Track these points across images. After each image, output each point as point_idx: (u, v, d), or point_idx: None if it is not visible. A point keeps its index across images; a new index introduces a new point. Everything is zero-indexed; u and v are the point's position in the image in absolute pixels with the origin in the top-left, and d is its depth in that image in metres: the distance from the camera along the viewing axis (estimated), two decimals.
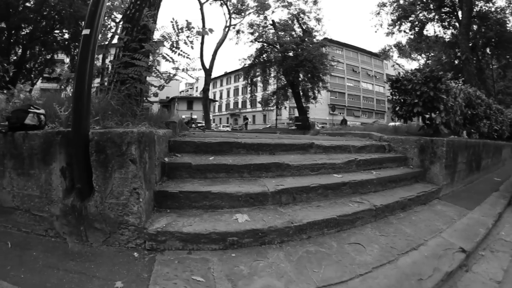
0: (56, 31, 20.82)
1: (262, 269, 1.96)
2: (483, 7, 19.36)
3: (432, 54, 24.67)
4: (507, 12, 18.93)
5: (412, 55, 25.57)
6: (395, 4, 21.76)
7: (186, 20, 3.77)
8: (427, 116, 5.50)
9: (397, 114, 5.77)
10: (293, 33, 26.44)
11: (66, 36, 21.00)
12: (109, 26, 20.34)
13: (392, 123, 11.61)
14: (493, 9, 19.25)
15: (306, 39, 25.34)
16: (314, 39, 26.36)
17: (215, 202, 2.54)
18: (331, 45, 34.05)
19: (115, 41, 16.81)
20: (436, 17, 21.43)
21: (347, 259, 2.24)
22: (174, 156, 3.14)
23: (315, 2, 26.35)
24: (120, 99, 3.27)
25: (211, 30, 4.15)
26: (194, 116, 22.90)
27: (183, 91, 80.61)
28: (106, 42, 18.89)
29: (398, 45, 24.40)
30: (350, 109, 59.30)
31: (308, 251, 2.27)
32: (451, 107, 5.52)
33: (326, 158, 3.93)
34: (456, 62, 20.88)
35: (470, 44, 18.22)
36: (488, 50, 21.35)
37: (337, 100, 56.06)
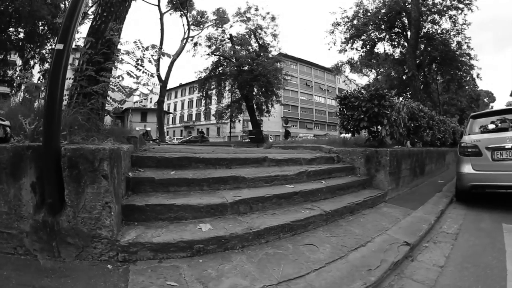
0: (11, 29, 19.43)
1: (228, 271, 2.17)
2: (430, 29, 21.35)
3: (382, 70, 26.52)
4: (451, 33, 20.97)
5: (363, 71, 27.13)
6: (349, 24, 23.20)
7: (152, 44, 3.93)
8: (373, 129, 6.05)
9: (345, 128, 6.30)
10: (250, 47, 27.30)
11: (21, 35, 19.74)
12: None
13: (342, 135, 12.39)
14: (439, 31, 21.31)
15: (261, 54, 26.28)
16: (270, 54, 27.36)
17: (179, 213, 2.70)
18: (286, 60, 35.35)
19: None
20: (387, 36, 23.18)
21: (302, 258, 2.52)
22: (137, 171, 3.25)
23: (273, 19, 27.65)
24: (85, 114, 3.31)
25: (169, 55, 4.39)
26: (148, 129, 22.39)
27: (137, 102, 78.09)
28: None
29: (350, 61, 25.85)
30: (303, 122, 61.57)
31: (267, 253, 2.52)
32: (394, 121, 6.05)
33: (279, 170, 4.26)
34: (404, 77, 22.60)
35: (417, 62, 19.97)
36: (434, 66, 23.38)
37: (290, 113, 57.88)
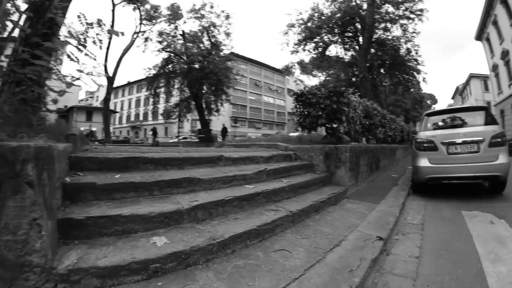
0: None
1: None
2: (382, 35, 22.57)
3: (332, 72, 27.30)
4: (401, 40, 22.53)
5: (313, 72, 27.92)
6: (303, 26, 23.59)
7: (98, 19, 3.32)
8: (329, 126, 5.97)
9: (301, 126, 6.17)
10: (202, 45, 26.63)
11: None
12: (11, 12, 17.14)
13: (293, 133, 12.47)
14: (390, 37, 22.75)
15: (213, 52, 25.62)
16: (221, 53, 26.79)
17: (128, 226, 2.25)
18: (237, 60, 35.08)
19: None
20: (340, 40, 23.93)
21: (277, 267, 2.25)
22: (76, 175, 2.70)
23: (227, 17, 27.17)
24: (13, 105, 2.65)
25: (122, 33, 3.73)
26: (94, 129, 20.91)
27: (82, 100, 73.33)
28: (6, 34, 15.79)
29: (301, 63, 26.34)
30: (251, 121, 62.00)
31: (236, 265, 2.20)
32: (351, 118, 6.12)
33: (236, 170, 3.93)
34: (354, 79, 23.69)
35: (368, 64, 20.84)
36: (382, 70, 24.69)
37: (239, 112, 58.12)
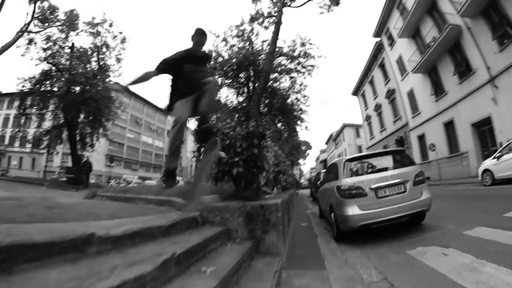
0: None
1: None
2: (274, 85, 23.58)
3: (219, 114, 26.96)
4: (289, 92, 23.94)
5: None
6: None
7: None
8: (243, 177, 4.75)
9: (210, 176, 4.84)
10: (88, 65, 23.50)
11: None
12: None
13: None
14: (280, 87, 24.02)
15: (99, 76, 22.74)
16: (107, 79, 23.95)
17: None
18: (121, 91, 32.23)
19: None
20: (232, 84, 23.71)
21: None
22: None
23: (123, 40, 25.02)
24: None
25: None
26: None
27: None
28: None
29: None
30: (128, 162, 58.27)
31: None
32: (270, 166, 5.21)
33: (122, 265, 1.81)
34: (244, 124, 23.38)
35: (259, 110, 20.96)
36: (273, 115, 25.42)
37: (115, 150, 53.99)
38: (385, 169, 5.65)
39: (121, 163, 55.10)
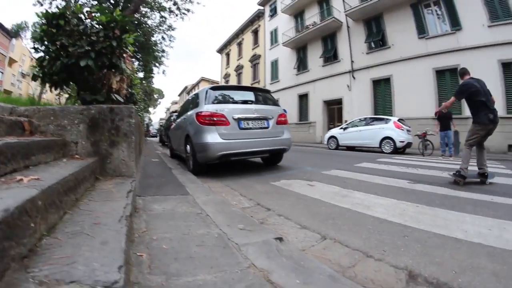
0: None
1: None
2: (141, 18, 20.43)
3: None
4: (156, 30, 21.22)
5: None
6: None
7: None
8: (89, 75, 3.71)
9: (44, 74, 3.68)
10: None
11: None
12: None
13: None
14: (149, 23, 20.95)
15: None
16: None
17: None
18: None
19: None
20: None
21: None
22: None
23: None
24: None
25: None
26: None
27: None
28: None
29: None
30: None
31: None
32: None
33: None
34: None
35: None
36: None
37: None
38: (250, 102, 5.51)
39: None
